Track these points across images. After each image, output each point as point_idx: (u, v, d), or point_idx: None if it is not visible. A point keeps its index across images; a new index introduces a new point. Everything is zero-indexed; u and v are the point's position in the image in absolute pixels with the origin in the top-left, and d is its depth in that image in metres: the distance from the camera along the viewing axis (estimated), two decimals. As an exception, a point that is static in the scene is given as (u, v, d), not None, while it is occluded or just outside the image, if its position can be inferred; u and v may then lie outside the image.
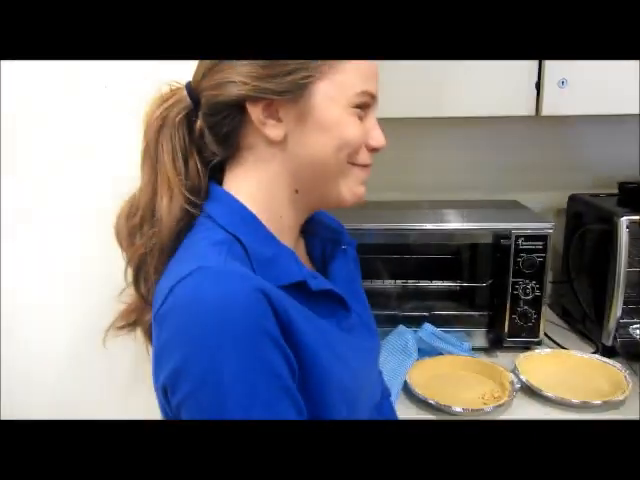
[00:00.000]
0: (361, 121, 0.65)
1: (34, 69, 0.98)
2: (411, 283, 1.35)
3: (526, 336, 1.28)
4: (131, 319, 0.73)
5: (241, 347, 0.54)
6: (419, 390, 1.08)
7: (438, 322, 1.28)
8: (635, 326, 1.24)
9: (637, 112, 1.28)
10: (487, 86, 1.25)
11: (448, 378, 1.16)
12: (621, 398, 1.08)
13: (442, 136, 1.59)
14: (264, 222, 0.65)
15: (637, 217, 1.26)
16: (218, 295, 0.54)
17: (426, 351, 1.21)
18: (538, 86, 1.22)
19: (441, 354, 1.21)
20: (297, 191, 0.67)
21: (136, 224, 0.67)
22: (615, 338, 1.26)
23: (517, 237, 1.24)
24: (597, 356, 1.24)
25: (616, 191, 1.49)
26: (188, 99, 0.66)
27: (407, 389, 1.11)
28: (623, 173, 1.57)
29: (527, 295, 1.26)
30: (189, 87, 0.66)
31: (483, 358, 1.25)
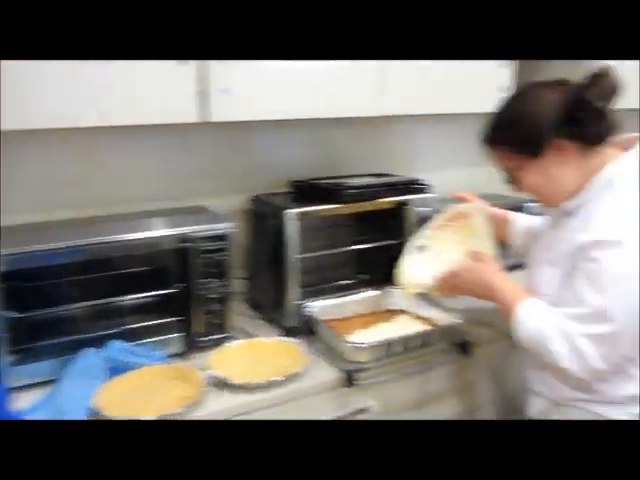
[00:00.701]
0: None
1: None
2: (99, 302, 1.28)
3: (219, 333, 1.34)
4: None
5: None
6: (110, 412, 1.05)
7: (132, 337, 1.26)
8: (307, 305, 1.40)
9: (306, 117, 1.44)
10: (152, 94, 1.24)
11: (143, 390, 1.15)
12: (301, 370, 1.21)
13: (123, 147, 1.57)
14: None
15: (302, 209, 1.42)
16: None
17: (119, 369, 1.18)
18: (204, 94, 1.28)
19: (135, 369, 1.19)
20: None
21: None
22: (295, 319, 1.41)
23: (200, 239, 1.29)
24: (281, 338, 1.37)
25: (290, 190, 1.67)
26: None
27: (96, 413, 1.06)
28: (296, 173, 1.77)
29: (216, 294, 1.32)
30: None
31: (179, 363, 1.27)
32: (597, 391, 1.06)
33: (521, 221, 1.42)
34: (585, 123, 1.03)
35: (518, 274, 1.28)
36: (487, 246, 1.25)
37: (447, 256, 1.30)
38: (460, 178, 1.95)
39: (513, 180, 1.14)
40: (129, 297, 1.32)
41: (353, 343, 1.26)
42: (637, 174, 1.05)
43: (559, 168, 1.07)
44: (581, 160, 1.07)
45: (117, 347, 1.18)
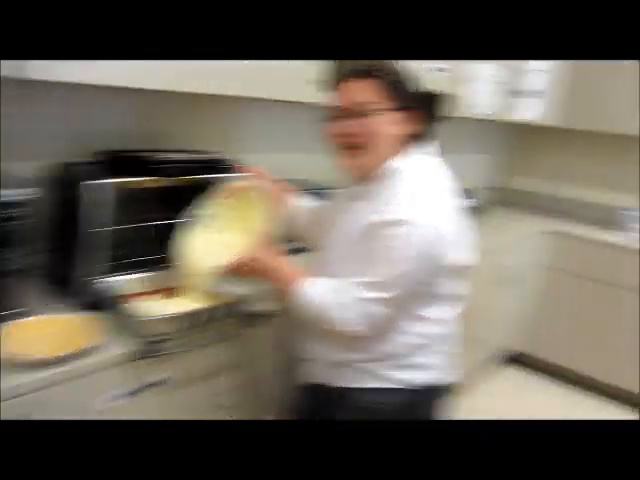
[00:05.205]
0: None
1: None
2: None
3: (13, 307, 1.31)
4: None
5: None
6: None
7: None
8: (104, 280, 1.43)
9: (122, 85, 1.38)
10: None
11: None
12: (95, 345, 1.25)
13: None
14: None
15: (104, 181, 1.40)
16: None
17: None
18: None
19: None
20: None
21: None
22: (90, 294, 1.42)
23: (-1, 205, 1.22)
24: (76, 313, 1.38)
25: (93, 159, 1.63)
26: None
27: None
28: (99, 143, 1.72)
29: (13, 265, 1.27)
30: None
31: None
32: (369, 350, 1.24)
33: (296, 203, 1.55)
34: (430, 112, 1.29)
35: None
36: (262, 225, 1.35)
37: (226, 238, 1.40)
38: (280, 161, 2.06)
39: (356, 120, 1.21)
40: None
41: (147, 316, 1.32)
42: (421, 166, 1.24)
43: (395, 132, 1.23)
44: (398, 143, 1.25)
45: None
